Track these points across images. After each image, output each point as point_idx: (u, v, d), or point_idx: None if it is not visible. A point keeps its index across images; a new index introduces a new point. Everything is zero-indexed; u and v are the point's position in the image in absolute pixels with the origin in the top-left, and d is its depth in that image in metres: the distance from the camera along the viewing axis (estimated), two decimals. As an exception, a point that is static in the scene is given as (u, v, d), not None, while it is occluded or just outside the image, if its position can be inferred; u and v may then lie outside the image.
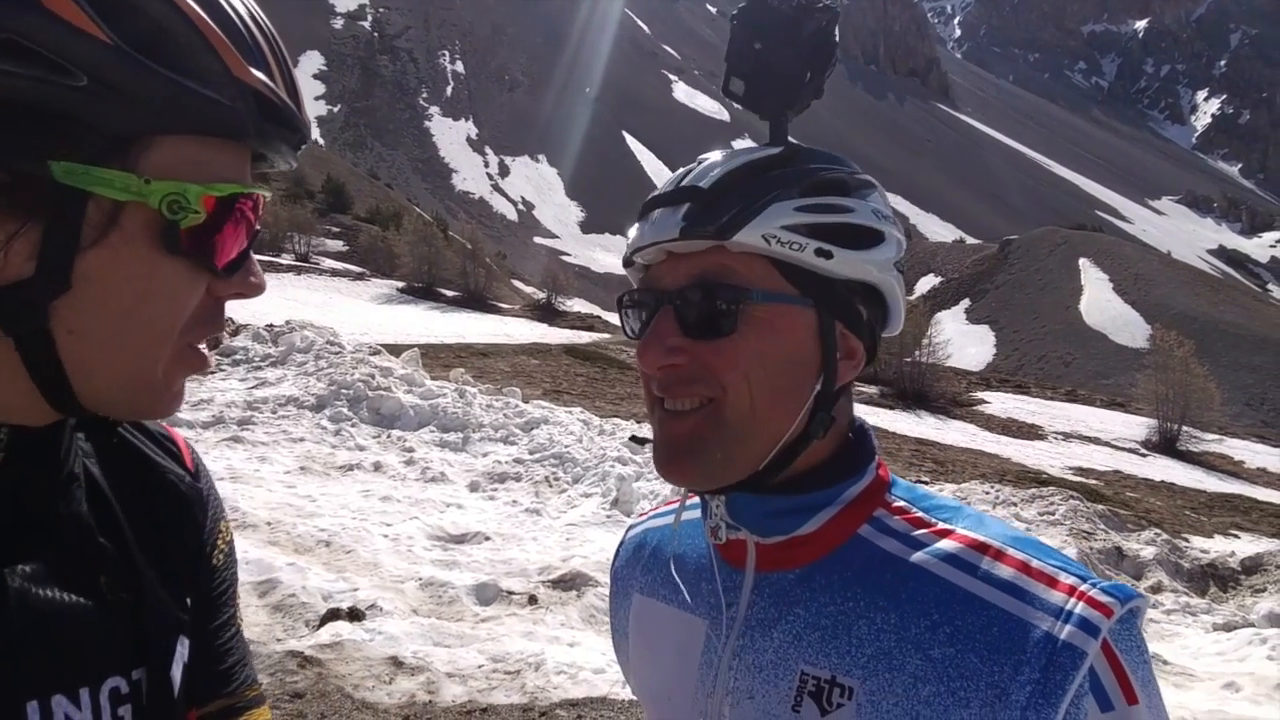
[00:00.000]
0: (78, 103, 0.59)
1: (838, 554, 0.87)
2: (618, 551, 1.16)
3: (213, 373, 11.82)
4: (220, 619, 0.91)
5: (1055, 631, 0.74)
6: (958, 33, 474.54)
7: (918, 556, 0.84)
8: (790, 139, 0.92)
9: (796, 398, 0.86)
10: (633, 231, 0.91)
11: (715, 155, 0.89)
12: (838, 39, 0.90)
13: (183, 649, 0.80)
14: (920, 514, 0.88)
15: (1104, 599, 0.75)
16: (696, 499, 0.99)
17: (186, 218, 0.64)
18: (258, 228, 0.73)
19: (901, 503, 0.90)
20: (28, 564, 0.68)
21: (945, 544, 0.84)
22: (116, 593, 0.74)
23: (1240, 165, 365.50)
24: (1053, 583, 0.78)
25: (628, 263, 0.93)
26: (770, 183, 0.84)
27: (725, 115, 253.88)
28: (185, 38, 0.63)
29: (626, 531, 1.18)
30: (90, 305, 0.63)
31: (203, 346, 0.72)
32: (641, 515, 1.19)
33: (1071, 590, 0.77)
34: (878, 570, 0.85)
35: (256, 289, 0.74)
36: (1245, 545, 11.06)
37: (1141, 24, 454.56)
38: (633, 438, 1.25)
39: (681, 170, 0.90)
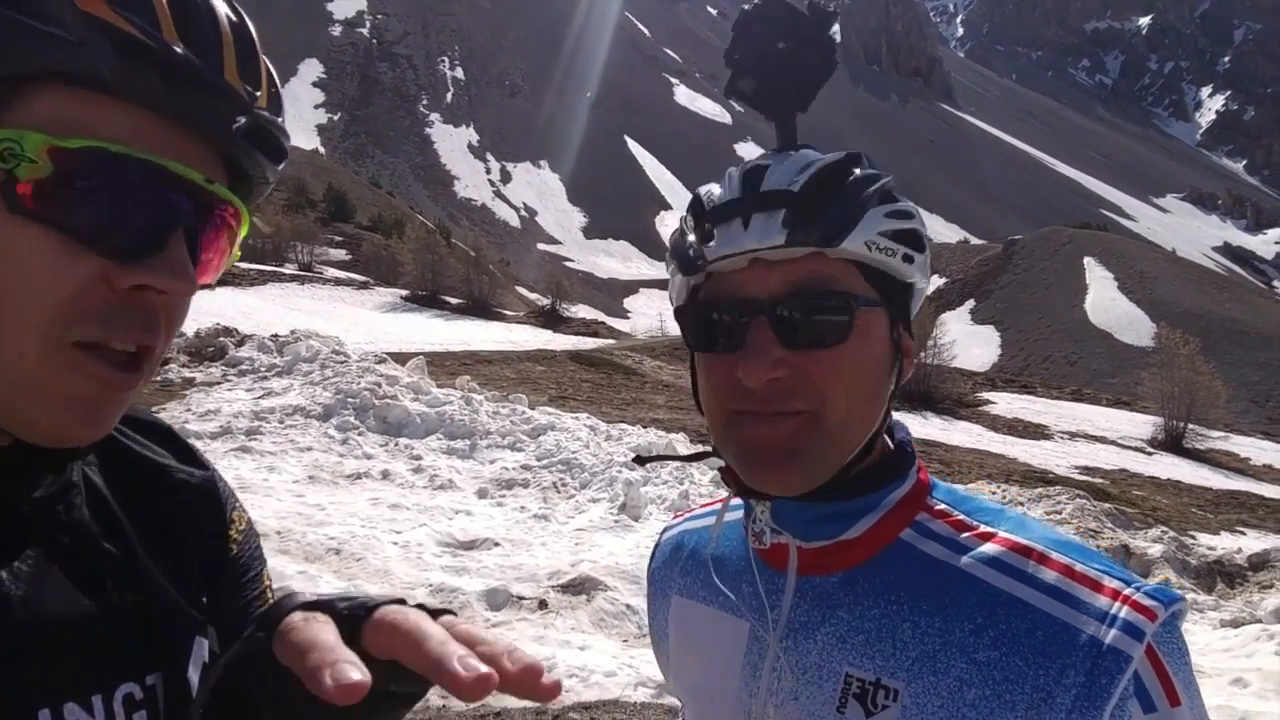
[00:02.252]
0: None
1: (881, 558, 0.88)
2: (654, 553, 1.16)
3: (217, 383, 11.90)
4: (242, 602, 0.88)
5: (1100, 635, 0.74)
6: (960, 31, 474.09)
7: (961, 560, 0.84)
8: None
9: (880, 400, 0.87)
10: (689, 237, 0.87)
11: (774, 160, 0.87)
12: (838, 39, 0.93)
13: (201, 649, 0.79)
14: (962, 517, 0.89)
15: (1148, 603, 0.76)
16: (737, 500, 0.98)
17: (20, 166, 0.57)
18: (181, 209, 0.65)
19: (943, 506, 0.91)
20: (32, 572, 0.66)
21: (988, 547, 0.84)
22: (123, 596, 0.72)
23: (1245, 162, 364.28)
24: (1097, 587, 0.78)
25: (694, 270, 0.86)
26: (857, 188, 0.84)
27: (727, 118, 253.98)
28: None
29: (662, 533, 1.18)
30: None
31: (124, 347, 0.64)
32: (677, 517, 1.19)
33: (1116, 594, 0.77)
34: (921, 574, 0.85)
35: (169, 282, 0.64)
36: (1252, 542, 11.05)
37: (1145, 21, 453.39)
38: (637, 458, 1.17)
39: (739, 175, 0.87)
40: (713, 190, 0.89)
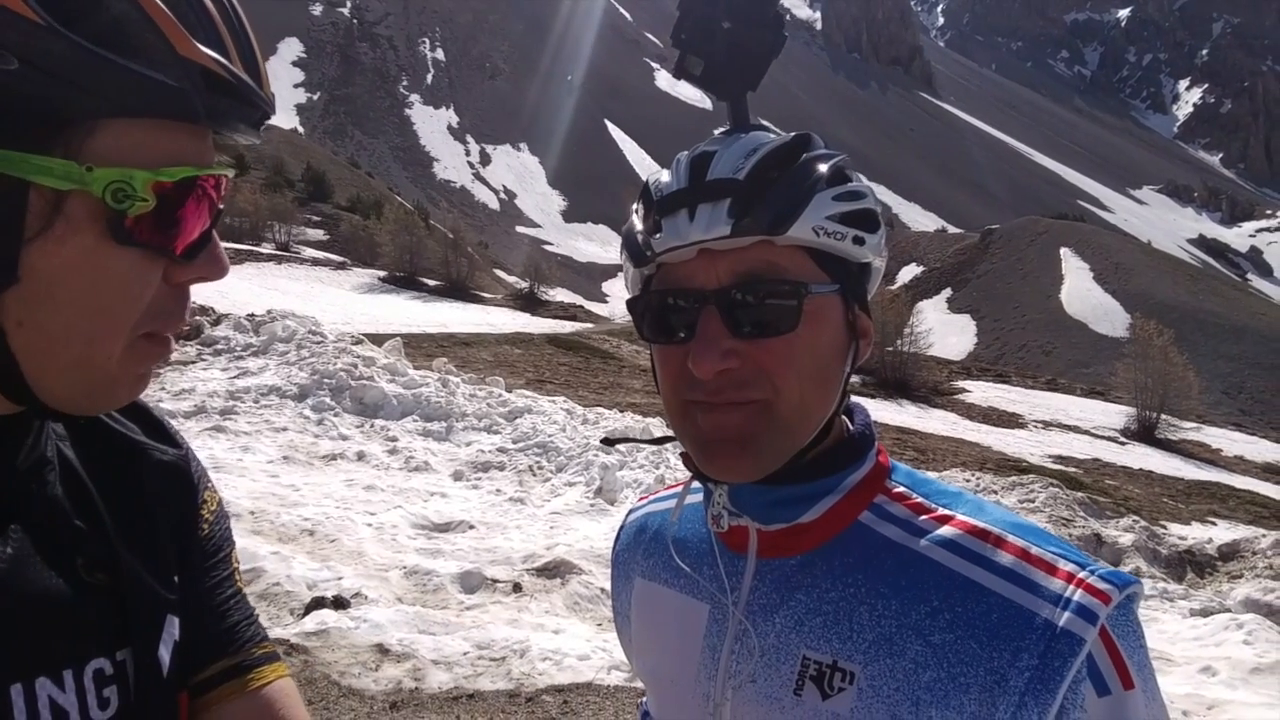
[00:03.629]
0: (10, 88, 0.56)
1: (839, 540, 0.87)
2: (618, 535, 1.16)
3: (192, 362, 11.75)
4: (211, 582, 0.88)
5: (1054, 618, 0.75)
6: (941, 21, 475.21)
7: (918, 543, 0.84)
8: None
9: (835, 384, 0.86)
10: (638, 227, 0.86)
11: (721, 144, 0.85)
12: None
13: (172, 628, 0.79)
14: (920, 499, 0.89)
15: (1102, 586, 0.76)
16: (698, 484, 0.97)
17: (133, 206, 0.61)
18: (220, 207, 0.70)
19: (902, 488, 0.90)
20: (2, 547, 0.67)
21: (945, 530, 0.84)
22: (94, 574, 0.72)
23: (1221, 155, 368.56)
24: (1052, 569, 0.78)
25: (643, 261, 0.86)
26: (803, 172, 0.82)
27: (708, 104, 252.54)
28: (126, 15, 0.59)
29: (627, 515, 1.17)
30: (39, 297, 0.61)
31: (168, 334, 0.70)
32: (642, 499, 1.18)
33: (1070, 577, 0.77)
34: (879, 557, 0.85)
35: (218, 272, 0.70)
36: (1222, 532, 11.23)
37: (1124, 13, 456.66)
38: (606, 439, 1.12)
39: (687, 162, 0.86)
40: (661, 178, 0.87)
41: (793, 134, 0.86)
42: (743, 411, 0.81)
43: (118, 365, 0.66)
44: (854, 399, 0.96)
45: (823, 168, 0.83)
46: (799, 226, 0.79)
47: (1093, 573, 0.77)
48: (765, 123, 0.90)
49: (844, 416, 0.94)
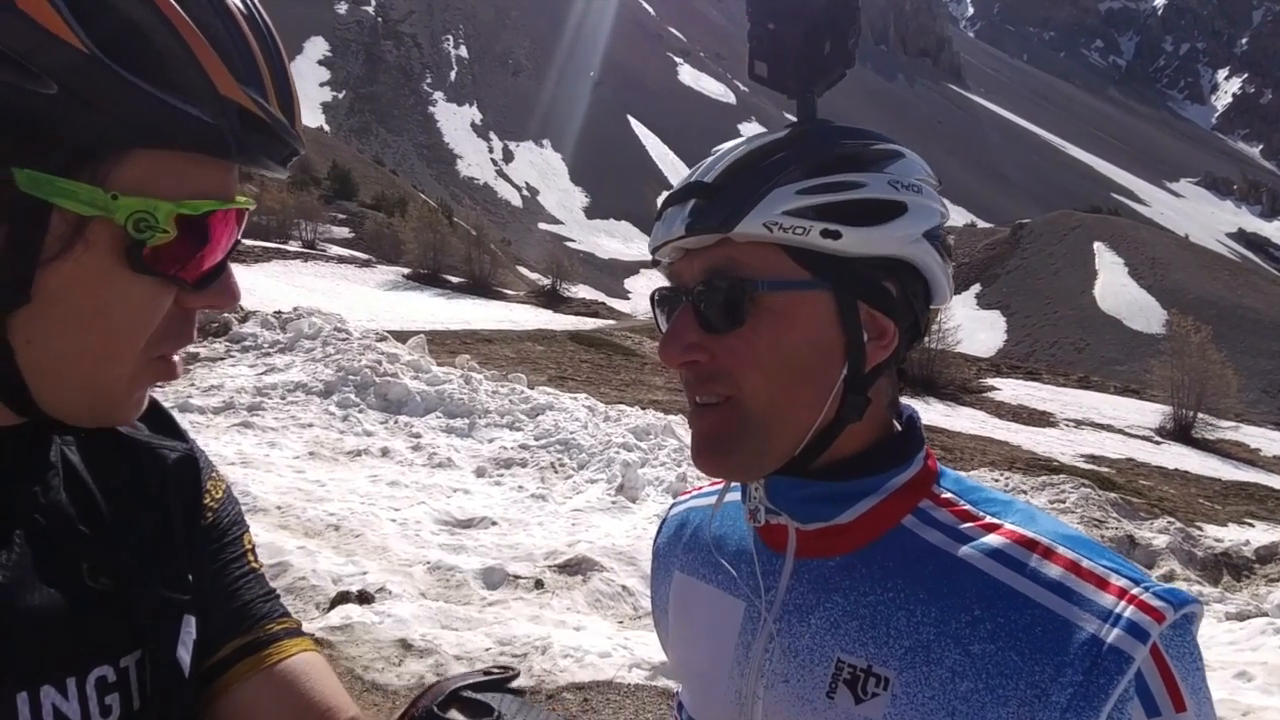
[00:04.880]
0: (47, 111, 0.56)
1: (880, 543, 0.86)
2: (660, 529, 1.16)
3: (220, 359, 11.88)
4: (218, 565, 0.88)
5: (1102, 634, 0.72)
6: (970, 10, 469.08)
7: (962, 550, 0.82)
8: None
9: (821, 385, 0.84)
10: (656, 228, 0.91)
11: (728, 145, 0.88)
12: (858, 5, 0.87)
13: (189, 627, 0.79)
14: (967, 507, 0.86)
15: (1156, 604, 0.73)
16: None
17: (154, 236, 0.62)
18: (238, 239, 0.71)
19: (949, 494, 0.88)
20: (7, 555, 0.67)
21: (992, 539, 0.82)
22: (98, 579, 0.72)
23: (1261, 146, 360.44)
24: (1103, 584, 0.76)
25: (655, 261, 0.93)
26: (773, 168, 0.82)
27: (731, 98, 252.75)
28: (169, 50, 0.60)
29: (669, 509, 1.18)
30: (50, 318, 0.61)
31: (175, 356, 0.71)
32: (684, 494, 1.18)
33: (1122, 593, 0.74)
34: (920, 562, 0.83)
35: (229, 302, 0.71)
36: (1260, 534, 10.99)
37: (1161, 1, 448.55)
38: None
39: (698, 164, 0.89)
40: None
41: (789, 130, 0.86)
42: (717, 411, 0.85)
43: (125, 386, 0.68)
44: (906, 404, 0.96)
45: (803, 159, 0.82)
46: (748, 223, 0.80)
47: (1147, 589, 0.75)
48: (822, 119, 0.90)
49: (894, 419, 0.92)
